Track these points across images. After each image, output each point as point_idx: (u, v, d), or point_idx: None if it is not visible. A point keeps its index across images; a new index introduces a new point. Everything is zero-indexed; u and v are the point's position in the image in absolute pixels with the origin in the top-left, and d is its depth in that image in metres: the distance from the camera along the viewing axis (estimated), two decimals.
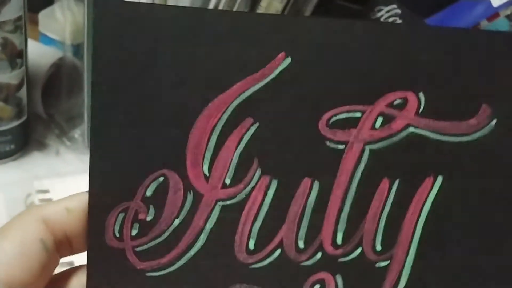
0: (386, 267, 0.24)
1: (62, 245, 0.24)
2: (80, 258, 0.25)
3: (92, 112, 0.23)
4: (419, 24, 0.26)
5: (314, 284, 0.24)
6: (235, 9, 0.53)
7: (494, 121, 0.24)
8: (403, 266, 0.24)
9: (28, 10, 0.51)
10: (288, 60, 0.23)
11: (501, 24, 0.74)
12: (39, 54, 0.58)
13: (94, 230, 0.23)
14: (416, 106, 0.24)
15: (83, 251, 0.24)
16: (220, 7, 0.53)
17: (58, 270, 0.25)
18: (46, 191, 0.51)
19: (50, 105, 0.59)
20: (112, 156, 0.23)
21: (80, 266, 0.25)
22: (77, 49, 0.59)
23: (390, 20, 0.68)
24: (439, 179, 0.24)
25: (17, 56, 0.51)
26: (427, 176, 0.24)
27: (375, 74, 0.24)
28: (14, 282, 0.22)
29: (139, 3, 0.23)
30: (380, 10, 0.69)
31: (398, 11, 0.68)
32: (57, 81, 0.59)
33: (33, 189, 0.51)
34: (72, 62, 0.59)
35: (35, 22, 0.64)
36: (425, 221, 0.24)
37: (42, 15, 0.64)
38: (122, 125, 0.23)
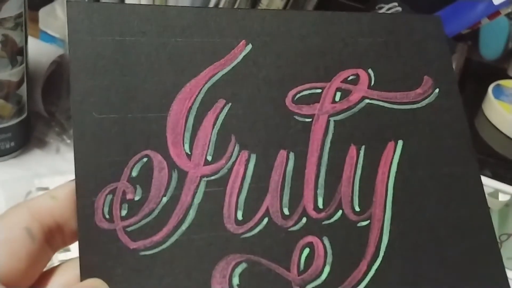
0: (367, 226, 0.26)
1: (53, 234, 0.23)
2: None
3: (73, 99, 0.24)
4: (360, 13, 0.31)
5: (303, 248, 0.25)
6: (236, 7, 0.53)
7: (437, 90, 0.29)
8: (383, 224, 0.26)
9: (28, 8, 0.51)
10: (249, 47, 0.26)
11: (502, 22, 0.74)
12: (39, 51, 0.58)
13: (83, 213, 0.23)
14: (367, 81, 0.28)
15: (76, 240, 0.23)
16: (221, 6, 0.53)
17: None
18: (46, 189, 0.51)
19: (51, 102, 0.59)
20: (95, 141, 0.24)
21: (68, 261, 0.24)
22: None
23: None
24: (400, 143, 0.27)
25: (18, 54, 0.51)
26: (388, 141, 0.27)
27: (327, 56, 0.27)
28: (1, 270, 0.21)
29: (110, 3, 0.25)
30: (381, 8, 0.68)
31: (399, 8, 0.68)
32: (57, 79, 0.59)
33: (33, 186, 0.51)
34: None
35: (35, 20, 0.64)
36: (394, 181, 0.27)
37: (42, 13, 0.64)
38: (102, 111, 0.24)
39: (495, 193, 0.53)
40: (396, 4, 0.68)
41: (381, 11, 0.68)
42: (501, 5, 0.63)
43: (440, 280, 0.26)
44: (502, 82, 0.67)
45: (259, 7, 0.53)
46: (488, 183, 0.53)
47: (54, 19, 0.61)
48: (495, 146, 0.59)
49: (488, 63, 0.76)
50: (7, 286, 0.21)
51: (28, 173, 0.53)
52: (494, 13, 0.64)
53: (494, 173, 0.55)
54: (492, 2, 0.63)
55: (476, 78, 0.70)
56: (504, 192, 0.53)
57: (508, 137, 0.60)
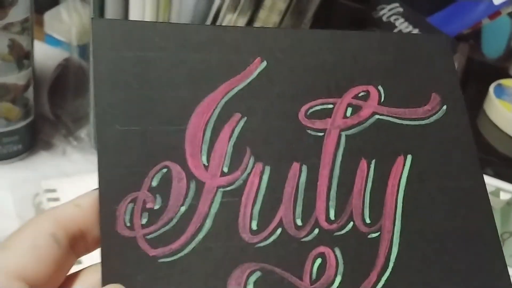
0: (377, 237, 0.27)
1: (76, 241, 0.24)
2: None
3: (96, 112, 0.25)
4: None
5: (316, 258, 0.26)
6: (239, 8, 0.54)
7: (444, 107, 0.30)
8: (392, 236, 0.27)
9: (35, 11, 0.52)
10: (264, 63, 0.27)
11: (503, 22, 0.74)
12: (45, 55, 0.59)
13: (105, 221, 0.24)
14: (377, 97, 0.29)
15: (97, 247, 0.24)
16: (224, 8, 0.54)
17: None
18: (53, 190, 0.51)
19: (57, 105, 0.60)
20: (117, 152, 0.24)
21: (91, 266, 0.25)
22: (83, 49, 0.60)
23: (393, 18, 0.68)
24: (409, 157, 0.28)
25: (24, 57, 0.52)
26: (398, 156, 0.28)
27: (338, 72, 0.29)
28: (27, 274, 0.22)
29: (132, 20, 0.26)
30: (382, 9, 0.69)
31: (401, 9, 0.68)
32: (63, 82, 0.60)
33: (40, 188, 0.51)
34: (78, 63, 0.60)
35: (40, 23, 0.65)
36: (404, 194, 0.28)
37: (48, 16, 0.64)
38: (125, 123, 0.25)
39: (496, 192, 0.54)
40: (397, 4, 0.68)
41: (382, 12, 0.69)
42: (502, 5, 0.63)
43: None
44: (504, 81, 0.67)
45: (262, 9, 0.54)
46: (490, 181, 0.53)
47: (60, 22, 0.61)
48: (497, 145, 0.59)
49: (489, 63, 0.77)
50: None
51: (35, 175, 0.54)
52: (494, 13, 0.65)
53: (495, 172, 0.56)
54: (493, 2, 0.63)
55: (478, 78, 0.71)
56: (506, 191, 0.54)
57: (509, 136, 0.61)
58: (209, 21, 0.55)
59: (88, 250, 0.25)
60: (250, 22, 0.55)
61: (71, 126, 0.59)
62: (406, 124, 0.29)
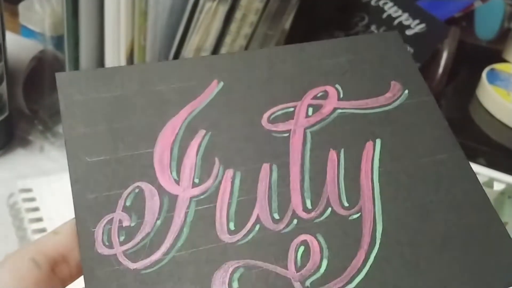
0: (358, 218, 0.27)
1: (58, 265, 0.25)
2: None
3: (67, 146, 0.27)
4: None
5: (298, 246, 0.26)
6: (213, 6, 0.51)
7: (406, 91, 0.31)
8: (374, 215, 0.27)
9: (8, 1, 0.49)
10: (221, 84, 0.30)
11: (496, 3, 0.72)
12: (19, 47, 0.56)
13: (84, 243, 0.25)
14: (336, 95, 0.30)
15: (82, 272, 0.25)
16: (199, 7, 0.52)
17: None
18: (29, 190, 0.50)
19: (33, 100, 0.58)
20: (89, 180, 0.26)
21: None
22: (58, 41, 0.57)
23: (381, 2, 0.66)
24: (378, 141, 0.29)
25: None
26: (366, 142, 0.29)
27: (295, 79, 0.30)
28: None
29: (94, 69, 0.29)
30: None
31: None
32: (39, 75, 0.58)
33: (16, 188, 0.50)
34: (54, 55, 0.58)
35: (16, 14, 0.62)
36: (379, 175, 0.28)
37: (22, 7, 0.62)
38: (94, 155, 0.27)
39: (489, 182, 0.52)
40: None
41: (372, 2, 0.66)
42: None
43: (443, 258, 0.27)
44: (497, 66, 0.65)
45: (238, 9, 0.52)
46: (483, 171, 0.51)
47: (33, 13, 0.59)
48: (490, 133, 0.57)
49: (482, 46, 0.74)
50: None
51: (11, 174, 0.52)
52: None
53: (488, 161, 0.54)
54: None
55: (470, 62, 0.68)
56: (499, 181, 0.52)
57: (503, 123, 0.59)
58: (188, 8, 0.53)
59: (72, 275, 0.26)
60: (232, 10, 0.53)
61: (49, 121, 0.57)
62: (370, 113, 0.30)
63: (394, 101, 0.30)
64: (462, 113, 0.59)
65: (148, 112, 0.28)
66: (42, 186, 0.50)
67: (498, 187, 0.51)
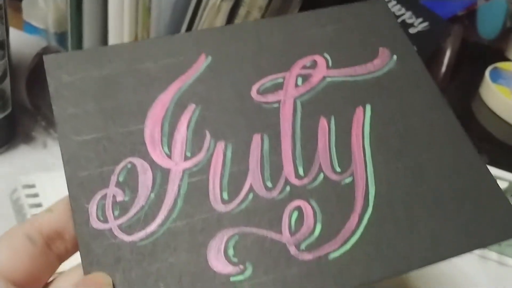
0: (351, 182, 0.27)
1: (54, 240, 0.25)
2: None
3: (57, 126, 0.27)
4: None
5: (292, 212, 0.26)
6: (217, 3, 0.51)
7: (395, 56, 0.31)
8: (367, 178, 0.27)
9: None
10: (209, 58, 0.30)
11: (499, 3, 0.72)
12: (23, 43, 0.56)
13: (79, 218, 0.25)
14: (325, 63, 0.30)
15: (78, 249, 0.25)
16: (203, 3, 0.52)
17: None
18: (32, 186, 0.50)
19: (36, 96, 0.58)
20: (81, 158, 0.26)
21: (75, 266, 0.26)
22: (61, 37, 0.57)
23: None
24: (368, 106, 0.29)
25: None
26: (356, 107, 0.29)
27: (283, 50, 0.30)
28: (4, 271, 0.23)
29: (83, 50, 0.30)
30: None
31: None
32: (42, 71, 0.57)
33: (19, 184, 0.50)
34: (57, 51, 0.57)
35: (19, 10, 0.62)
36: (370, 139, 0.29)
37: (25, 3, 0.62)
38: (84, 134, 0.27)
39: None
40: None
41: None
42: None
43: (436, 217, 0.27)
44: (500, 64, 0.65)
45: (242, 6, 0.52)
46: None
47: (37, 9, 0.59)
48: (493, 131, 0.57)
49: (485, 45, 0.74)
50: (16, 287, 0.24)
51: (14, 169, 0.52)
52: None
53: (491, 159, 0.54)
54: None
55: (473, 61, 0.68)
56: (502, 179, 0.52)
57: (506, 122, 0.59)
58: (192, 4, 0.53)
59: (68, 251, 0.26)
60: (235, 7, 0.53)
61: (52, 117, 0.57)
62: (359, 80, 0.30)
63: (383, 67, 0.31)
64: (465, 111, 0.59)
65: (137, 89, 0.28)
66: (45, 181, 0.50)
67: (501, 185, 0.51)
